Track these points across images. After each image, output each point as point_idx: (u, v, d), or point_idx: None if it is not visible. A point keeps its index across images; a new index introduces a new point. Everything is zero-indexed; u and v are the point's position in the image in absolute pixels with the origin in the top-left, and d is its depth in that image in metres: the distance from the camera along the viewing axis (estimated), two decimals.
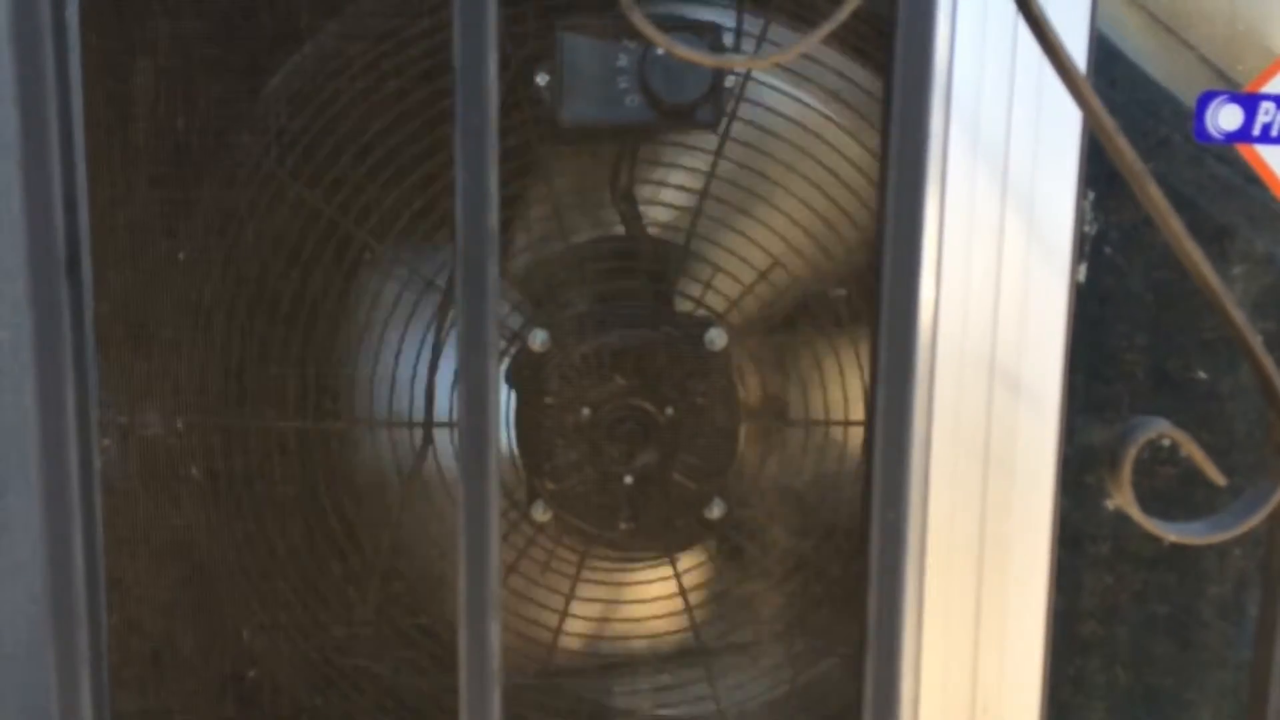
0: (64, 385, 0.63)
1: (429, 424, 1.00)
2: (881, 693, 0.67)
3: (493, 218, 0.62)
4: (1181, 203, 1.02)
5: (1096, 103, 0.62)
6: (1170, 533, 0.69)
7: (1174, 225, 0.64)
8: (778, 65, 0.98)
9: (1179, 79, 1.05)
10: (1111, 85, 1.04)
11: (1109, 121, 0.63)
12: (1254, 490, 0.68)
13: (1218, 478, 0.67)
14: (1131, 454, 0.66)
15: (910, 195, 0.61)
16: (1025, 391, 0.83)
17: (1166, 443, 0.65)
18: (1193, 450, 0.66)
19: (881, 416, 0.63)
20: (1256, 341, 0.66)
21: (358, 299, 1.00)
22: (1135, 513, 0.68)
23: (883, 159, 0.61)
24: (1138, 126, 1.03)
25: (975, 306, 0.82)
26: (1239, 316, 0.66)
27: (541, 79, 0.98)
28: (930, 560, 0.84)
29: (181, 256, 0.97)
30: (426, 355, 1.00)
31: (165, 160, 0.91)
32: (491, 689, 0.65)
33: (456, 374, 0.65)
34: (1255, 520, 0.67)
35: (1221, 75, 1.05)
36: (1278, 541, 0.71)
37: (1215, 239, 1.02)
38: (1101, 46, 1.02)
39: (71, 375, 0.65)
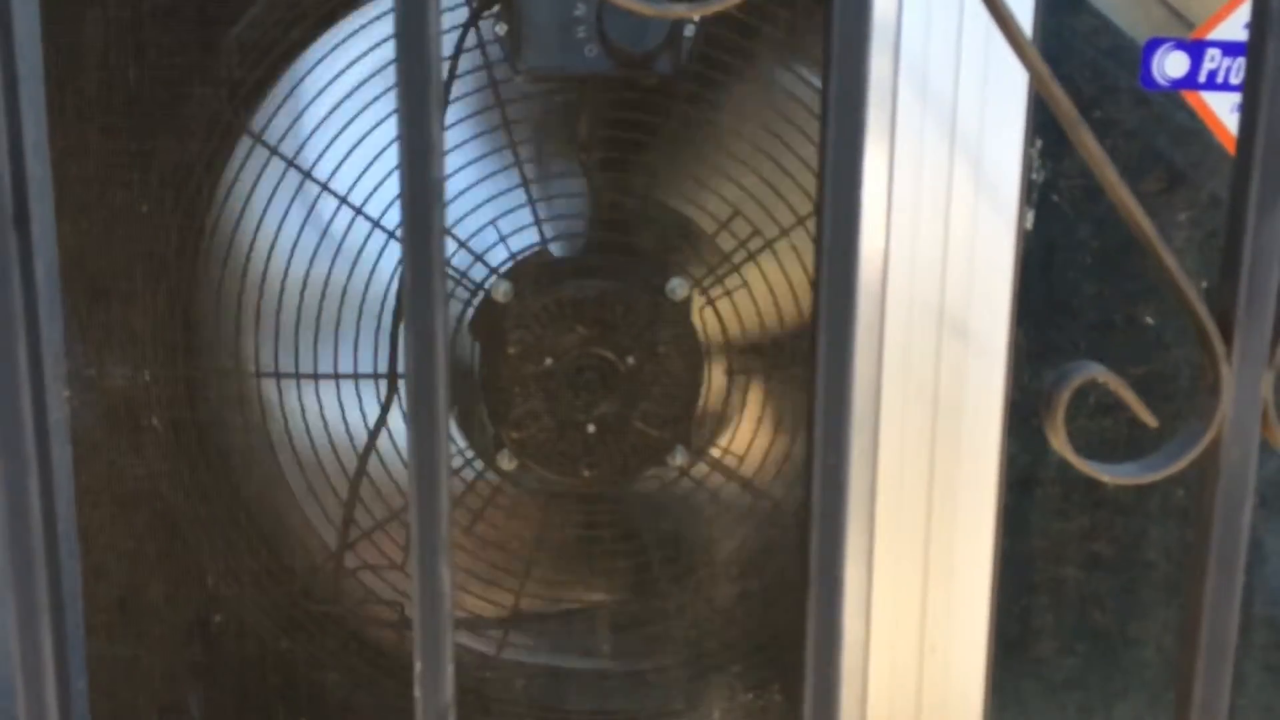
0: (14, 339, 0.64)
1: (393, 375, 1.02)
2: (824, 633, 0.68)
3: (437, 167, 0.62)
4: (1140, 150, 1.02)
5: (1030, 47, 0.62)
6: (1105, 474, 0.70)
7: (1109, 173, 0.65)
8: (734, 14, 0.98)
9: (1144, 26, 1.05)
10: (1073, 34, 1.03)
11: (1043, 68, 0.63)
12: (1186, 431, 0.69)
13: (1150, 419, 0.68)
14: (1064, 398, 0.67)
15: (849, 138, 0.62)
16: (973, 338, 0.84)
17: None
18: (1125, 394, 0.67)
19: (822, 363, 0.64)
20: (1189, 285, 0.67)
21: (321, 251, 1.01)
22: (1070, 455, 0.69)
23: (824, 101, 0.62)
24: (1100, 73, 1.04)
25: (924, 254, 0.83)
26: (1172, 261, 0.67)
27: (500, 28, 0.98)
28: (880, 502, 0.86)
29: (145, 210, 0.97)
30: (390, 307, 1.01)
31: (118, 111, 0.91)
32: (445, 631, 0.67)
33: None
34: (1186, 461, 0.69)
35: (1190, 25, 1.05)
36: (1209, 481, 0.72)
37: (1172, 185, 1.02)
38: None
39: (23, 328, 0.65)
